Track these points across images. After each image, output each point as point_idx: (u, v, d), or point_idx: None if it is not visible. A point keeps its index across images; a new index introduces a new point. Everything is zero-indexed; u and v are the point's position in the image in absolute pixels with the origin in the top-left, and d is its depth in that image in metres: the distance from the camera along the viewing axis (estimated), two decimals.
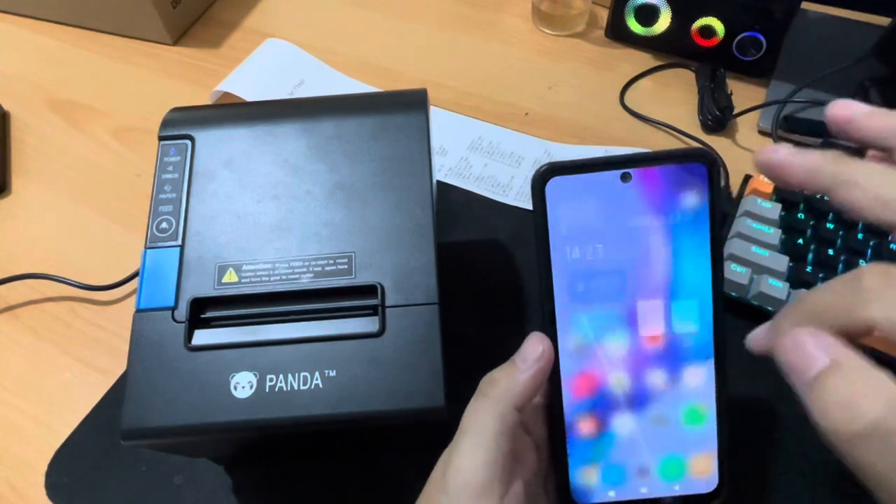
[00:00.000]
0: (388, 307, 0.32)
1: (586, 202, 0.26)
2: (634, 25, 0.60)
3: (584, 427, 0.28)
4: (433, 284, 0.32)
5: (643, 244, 0.26)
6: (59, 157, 0.58)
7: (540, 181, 0.26)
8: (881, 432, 0.18)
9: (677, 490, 0.28)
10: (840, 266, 0.42)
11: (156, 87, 0.63)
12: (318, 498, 0.38)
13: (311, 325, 0.32)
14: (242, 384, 0.30)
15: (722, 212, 0.27)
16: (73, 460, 0.40)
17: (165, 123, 0.37)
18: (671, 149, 0.26)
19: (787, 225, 0.44)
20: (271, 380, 0.30)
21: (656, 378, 0.27)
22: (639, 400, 0.27)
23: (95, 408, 0.42)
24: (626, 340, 0.27)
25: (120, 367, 0.44)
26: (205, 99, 0.60)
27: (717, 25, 0.56)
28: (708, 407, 0.27)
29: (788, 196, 0.45)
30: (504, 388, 0.26)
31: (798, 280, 0.42)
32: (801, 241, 0.43)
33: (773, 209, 0.44)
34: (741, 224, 0.44)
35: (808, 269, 0.42)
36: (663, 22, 0.58)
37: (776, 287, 0.41)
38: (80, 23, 0.69)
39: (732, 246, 0.43)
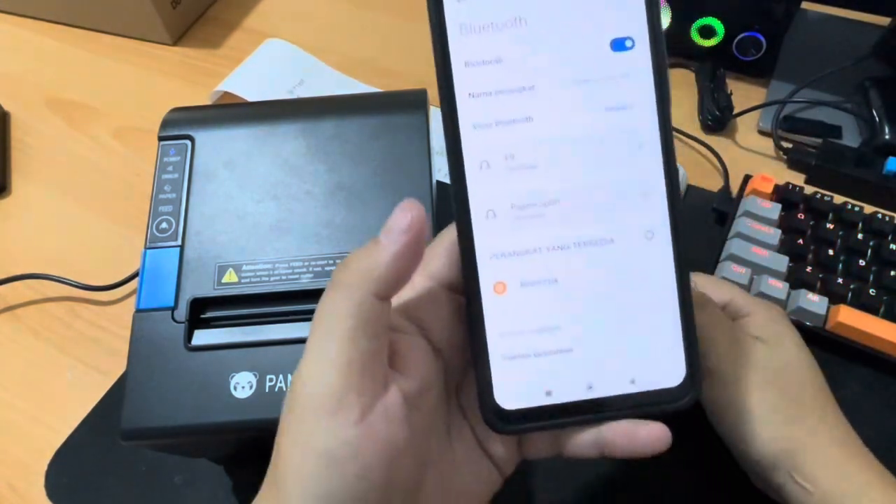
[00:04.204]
0: None
1: (494, 0, 0.21)
2: None
3: (508, 304, 0.22)
4: None
5: (568, 51, 0.21)
6: (59, 157, 0.58)
7: None
8: None
9: (633, 386, 0.22)
10: (840, 266, 0.42)
11: (156, 87, 0.63)
12: None
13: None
14: (242, 384, 0.30)
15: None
16: (73, 460, 0.40)
17: (165, 123, 0.37)
18: None
19: (787, 225, 0.44)
20: (271, 380, 0.30)
21: (596, 227, 0.22)
22: (576, 260, 0.22)
23: (95, 408, 0.42)
24: (552, 177, 0.22)
25: (120, 367, 0.44)
26: (205, 99, 0.60)
27: (717, 25, 0.56)
28: (665, 268, 0.22)
29: (788, 196, 0.45)
30: (360, 273, 0.20)
31: (798, 280, 0.42)
32: (801, 241, 0.43)
33: (773, 209, 0.44)
34: (741, 224, 0.44)
35: (808, 269, 0.42)
36: (663, 22, 0.58)
37: (776, 287, 0.41)
38: (80, 23, 0.69)
39: (732, 246, 0.43)
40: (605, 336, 0.22)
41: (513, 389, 0.22)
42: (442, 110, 0.22)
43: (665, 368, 0.22)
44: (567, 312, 0.22)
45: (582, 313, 0.22)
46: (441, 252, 0.24)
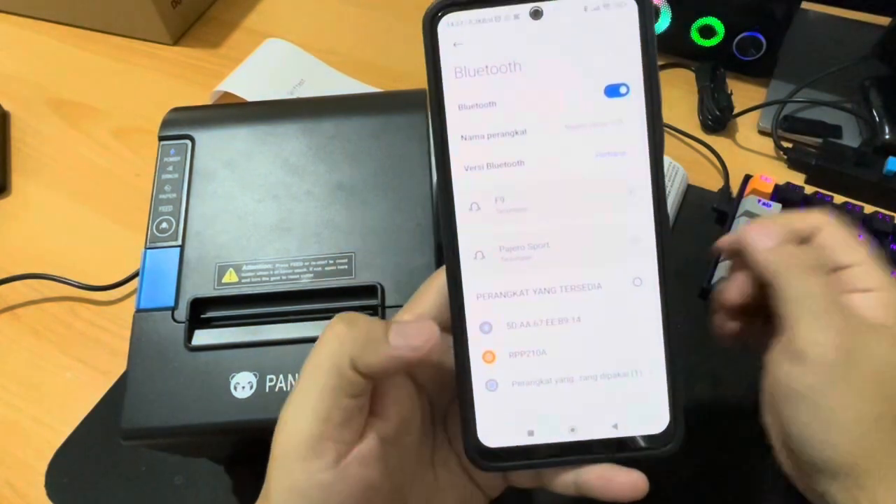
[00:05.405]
0: (388, 307, 0.32)
1: (489, 45, 0.21)
2: None
3: (493, 344, 0.22)
4: None
5: (561, 96, 0.22)
6: (59, 157, 0.58)
7: (430, 19, 0.21)
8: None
9: (616, 431, 0.22)
10: None
11: (156, 87, 0.63)
12: None
13: (312, 325, 0.32)
14: (242, 384, 0.30)
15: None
16: (73, 460, 0.40)
17: (165, 123, 0.37)
18: None
19: None
20: (271, 380, 0.30)
21: (584, 272, 0.22)
22: (563, 304, 0.22)
23: (95, 408, 0.42)
24: (541, 220, 0.22)
25: (120, 367, 0.44)
26: (205, 99, 0.60)
27: (717, 25, 0.56)
28: (651, 315, 0.22)
29: (788, 196, 0.45)
30: (358, 346, 0.21)
31: None
32: None
33: (773, 209, 0.44)
34: (741, 224, 0.44)
35: None
36: (663, 22, 0.58)
37: None
38: (80, 23, 0.69)
39: None
40: (590, 380, 0.22)
41: (495, 428, 0.22)
42: (434, 151, 0.22)
43: (648, 414, 0.22)
44: (552, 355, 0.22)
45: (567, 356, 0.22)
46: (433, 291, 0.24)
